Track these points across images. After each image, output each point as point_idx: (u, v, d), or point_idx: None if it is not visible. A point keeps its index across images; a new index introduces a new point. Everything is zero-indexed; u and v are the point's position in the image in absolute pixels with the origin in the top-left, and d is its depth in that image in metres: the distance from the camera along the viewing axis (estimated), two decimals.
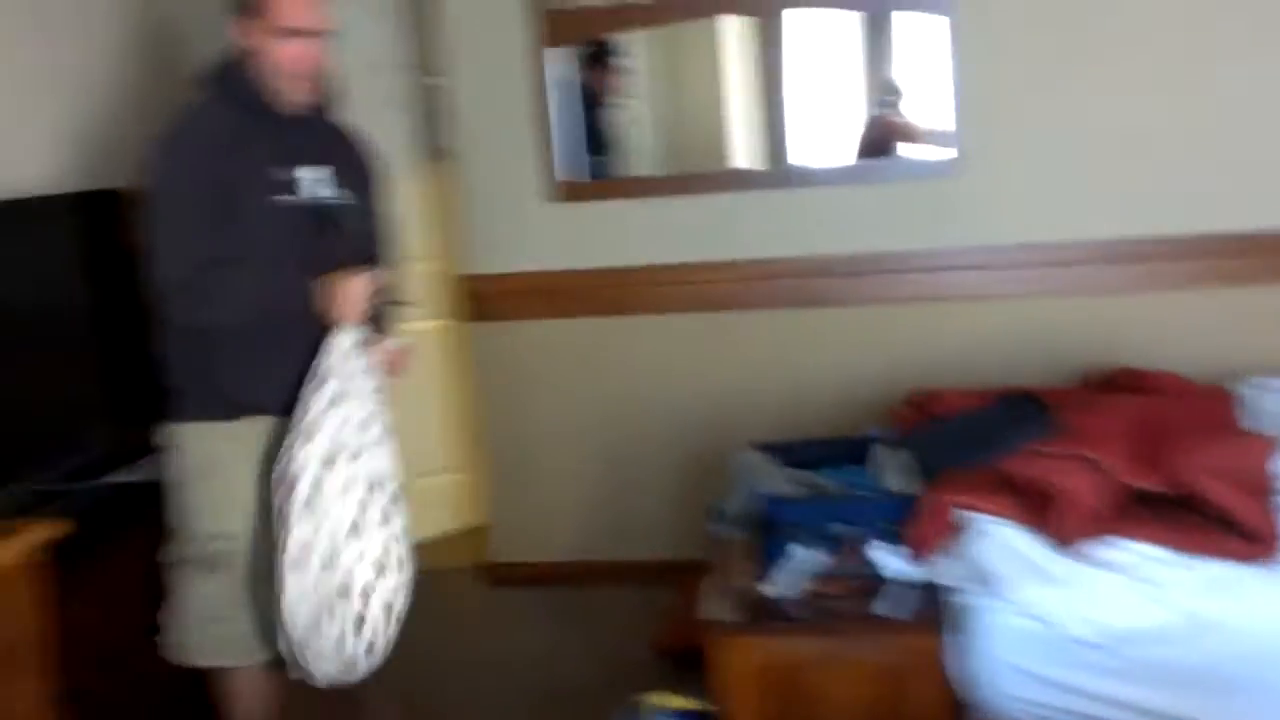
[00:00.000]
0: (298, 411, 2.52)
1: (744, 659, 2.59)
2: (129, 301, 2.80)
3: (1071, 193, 3.68)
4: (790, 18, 3.88)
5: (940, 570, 2.62)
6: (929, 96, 3.81)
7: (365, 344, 2.63)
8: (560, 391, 4.09)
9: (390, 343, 2.79)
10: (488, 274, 4.09)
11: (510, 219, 4.06)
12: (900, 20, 3.88)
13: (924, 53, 3.78)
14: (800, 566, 2.74)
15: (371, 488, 2.55)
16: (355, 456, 2.53)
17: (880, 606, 2.61)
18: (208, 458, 2.62)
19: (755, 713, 2.59)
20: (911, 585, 2.65)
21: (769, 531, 2.82)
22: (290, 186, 2.61)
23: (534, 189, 4.02)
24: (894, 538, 2.73)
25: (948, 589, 2.59)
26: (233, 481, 2.62)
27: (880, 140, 4.01)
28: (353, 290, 2.55)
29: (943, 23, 3.70)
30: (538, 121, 4.00)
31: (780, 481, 2.93)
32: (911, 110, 3.94)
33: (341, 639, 2.51)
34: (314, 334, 2.59)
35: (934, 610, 2.58)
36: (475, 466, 4.39)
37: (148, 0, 3.98)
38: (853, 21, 3.94)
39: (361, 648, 2.54)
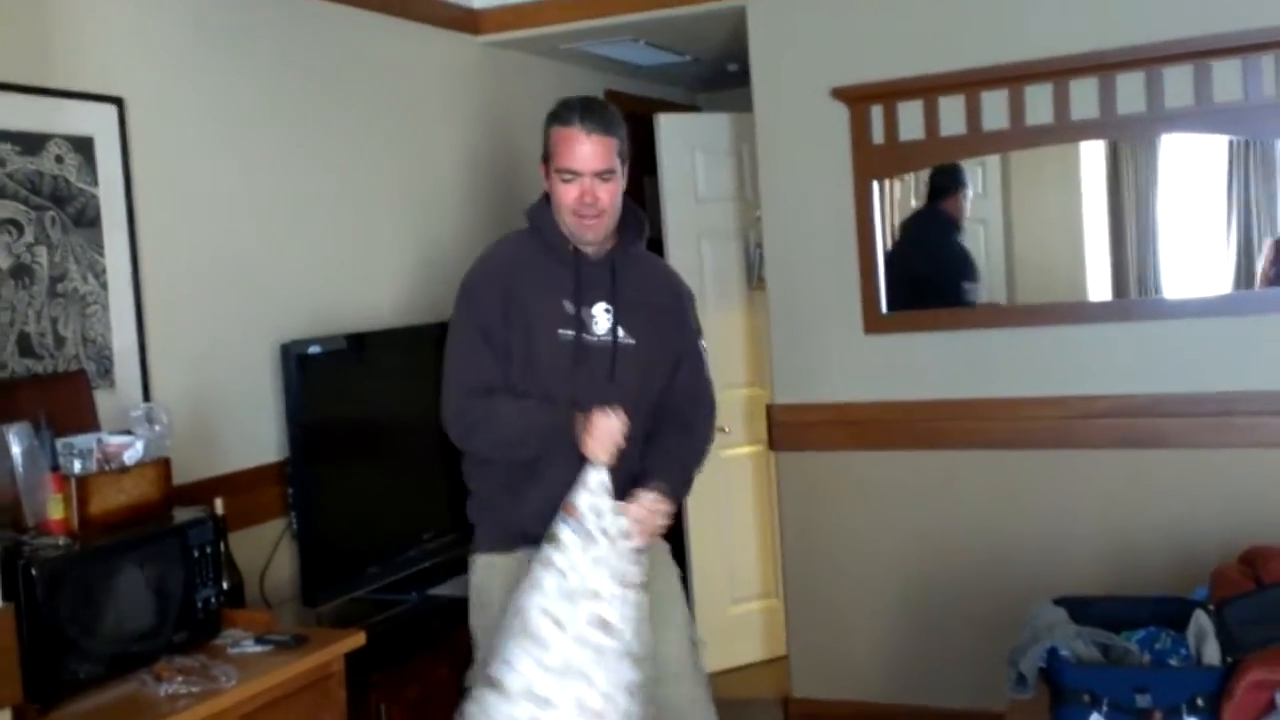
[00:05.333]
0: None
1: None
2: None
3: None
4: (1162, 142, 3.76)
5: None
6: None
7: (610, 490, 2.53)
8: (863, 526, 4.03)
9: (647, 498, 2.60)
10: (795, 403, 4.11)
11: (825, 349, 4.08)
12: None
13: None
14: None
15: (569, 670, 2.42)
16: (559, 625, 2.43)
17: None
18: (487, 587, 2.71)
19: None
20: None
21: (1062, 696, 2.63)
22: (576, 323, 2.65)
23: (852, 320, 4.03)
24: (1206, 716, 2.48)
25: None
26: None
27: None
28: (601, 426, 2.51)
29: None
30: (861, 252, 4.02)
31: (1076, 640, 2.73)
32: None
33: None
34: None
35: None
36: (780, 596, 4.38)
37: (485, 179, 4.41)
38: (1219, 146, 3.72)
39: None
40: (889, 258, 4.07)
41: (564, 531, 2.49)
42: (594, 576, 2.47)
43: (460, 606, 3.43)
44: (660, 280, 2.85)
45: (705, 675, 2.87)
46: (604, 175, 2.61)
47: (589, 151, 2.60)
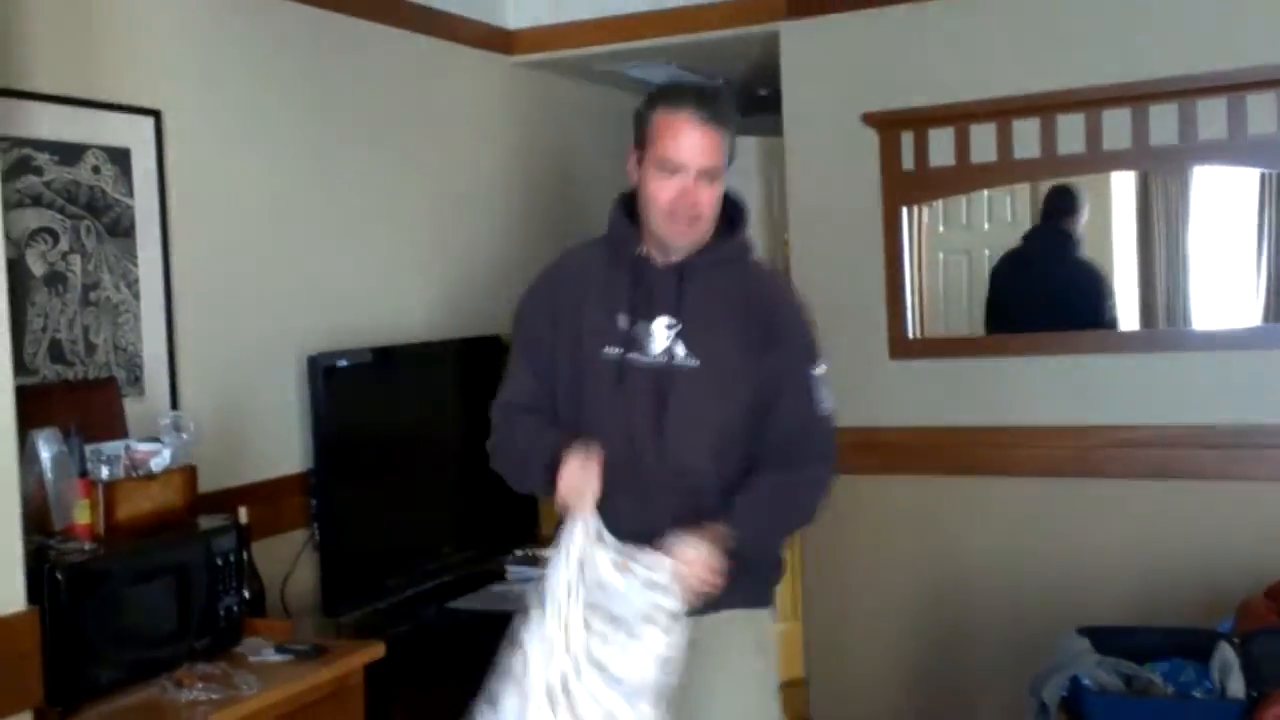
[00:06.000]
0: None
1: None
2: None
3: None
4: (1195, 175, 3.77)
5: None
6: None
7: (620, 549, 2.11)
8: (886, 551, 4.01)
9: (688, 549, 2.12)
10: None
11: (851, 374, 4.06)
12: None
13: None
14: None
15: None
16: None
17: None
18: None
19: None
20: None
21: None
22: (626, 340, 2.27)
23: (878, 345, 4.02)
24: None
25: None
26: None
27: None
28: (569, 471, 2.14)
29: None
30: (889, 278, 4.02)
31: (1099, 670, 2.72)
32: None
33: None
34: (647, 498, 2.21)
35: None
36: (800, 618, 4.35)
37: (514, 197, 4.43)
38: (1252, 179, 3.71)
39: None
40: (1000, 276, 4.05)
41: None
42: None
43: (480, 620, 3.47)
44: (750, 291, 2.35)
45: None
46: (711, 174, 2.23)
47: (699, 143, 2.21)
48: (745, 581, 2.25)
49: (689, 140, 2.21)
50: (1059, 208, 4.01)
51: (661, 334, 2.27)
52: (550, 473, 2.18)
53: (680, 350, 2.26)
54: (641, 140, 2.27)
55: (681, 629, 2.09)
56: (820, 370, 2.36)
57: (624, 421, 2.24)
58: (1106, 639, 2.92)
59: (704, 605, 2.17)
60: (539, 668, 2.06)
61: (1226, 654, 2.72)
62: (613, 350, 2.27)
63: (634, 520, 2.17)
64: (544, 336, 2.35)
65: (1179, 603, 3.50)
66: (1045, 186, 3.97)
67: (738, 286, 2.32)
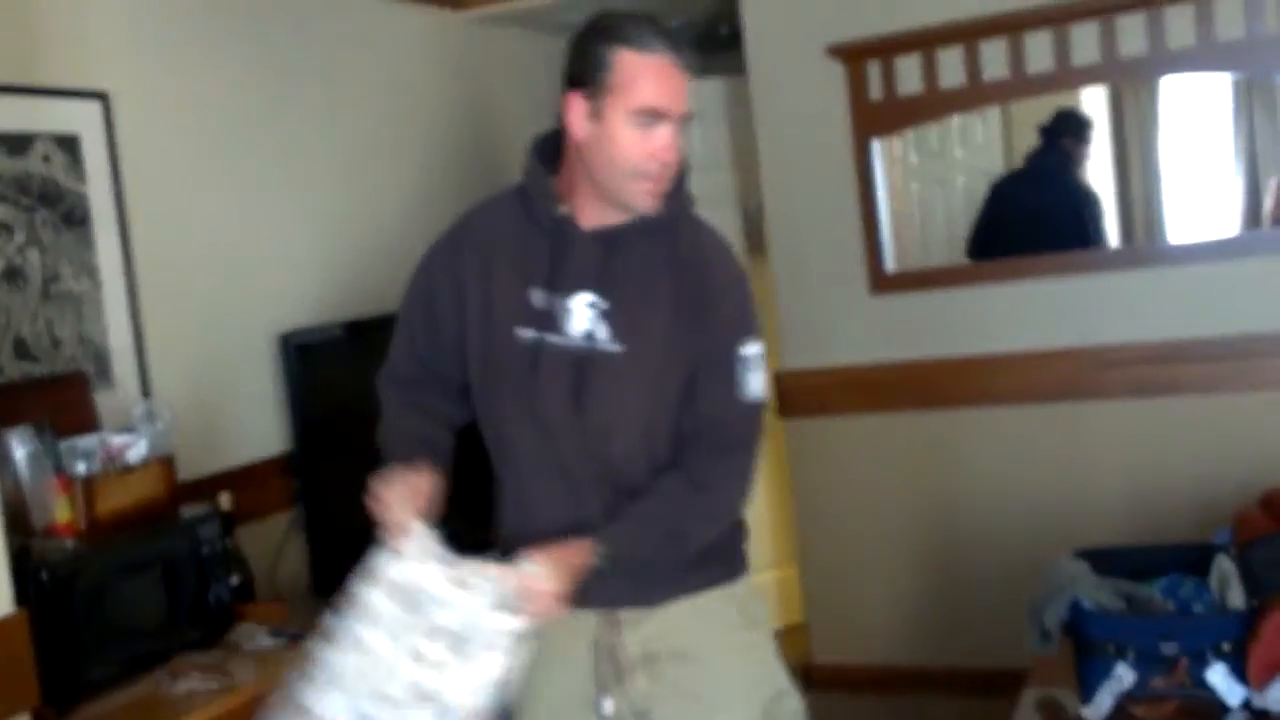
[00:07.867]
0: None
1: None
2: None
3: None
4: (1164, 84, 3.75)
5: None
6: None
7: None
8: (877, 488, 4.01)
9: (528, 569, 1.86)
10: (803, 368, 4.07)
11: (831, 311, 4.04)
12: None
13: None
14: (1123, 686, 2.51)
15: None
16: None
17: None
18: None
19: None
20: (1252, 713, 2.36)
21: (1086, 648, 2.60)
22: (544, 318, 1.98)
23: (857, 281, 3.99)
24: (1232, 660, 2.46)
25: None
26: None
27: None
28: (379, 497, 2.03)
29: None
30: (864, 212, 3.98)
31: (1099, 592, 2.71)
32: None
33: None
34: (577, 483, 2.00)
35: None
36: (796, 563, 4.35)
37: (481, 159, 4.33)
38: (1223, 85, 3.70)
39: None
40: (999, 191, 4.00)
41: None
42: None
43: None
44: (683, 257, 2.02)
45: None
46: (687, 122, 1.94)
47: (681, 88, 1.91)
48: (706, 560, 2.03)
49: (674, 84, 1.90)
50: (1059, 129, 3.95)
51: (582, 312, 1.98)
52: None
53: (603, 333, 1.98)
54: (599, 84, 1.90)
55: (524, 650, 1.87)
56: (752, 350, 2.04)
57: (539, 408, 1.99)
58: (1103, 560, 2.90)
59: (666, 592, 2.00)
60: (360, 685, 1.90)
61: (1224, 565, 2.71)
62: (526, 332, 1.99)
63: (560, 510, 2.00)
64: (443, 300, 2.07)
65: (1173, 519, 3.50)
66: (1015, 108, 3.93)
67: (669, 253, 2.01)
